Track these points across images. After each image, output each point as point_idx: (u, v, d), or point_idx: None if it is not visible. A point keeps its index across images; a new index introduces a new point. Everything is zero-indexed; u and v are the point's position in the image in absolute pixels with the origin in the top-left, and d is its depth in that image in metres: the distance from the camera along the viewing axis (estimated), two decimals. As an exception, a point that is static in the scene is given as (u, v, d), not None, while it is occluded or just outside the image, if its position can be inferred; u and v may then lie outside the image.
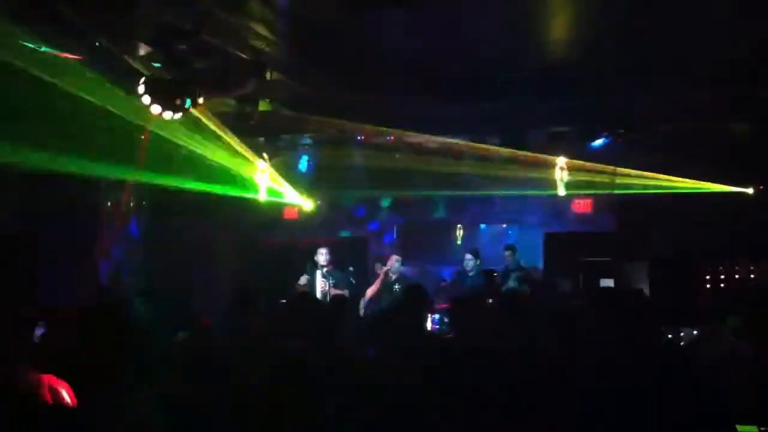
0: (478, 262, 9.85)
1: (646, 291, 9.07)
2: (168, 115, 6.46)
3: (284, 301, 8.11)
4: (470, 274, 9.82)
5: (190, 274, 9.75)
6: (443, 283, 10.87)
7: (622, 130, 9.43)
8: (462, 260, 10.05)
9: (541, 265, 11.07)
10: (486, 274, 9.39)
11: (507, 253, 10.04)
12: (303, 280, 9.12)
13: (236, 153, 9.35)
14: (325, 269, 9.25)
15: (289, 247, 10.95)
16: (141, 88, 6.34)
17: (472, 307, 5.37)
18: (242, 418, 3.38)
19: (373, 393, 3.69)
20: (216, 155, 9.10)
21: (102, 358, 2.92)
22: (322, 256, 9.30)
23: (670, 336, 6.17)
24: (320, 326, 4.48)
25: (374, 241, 12.30)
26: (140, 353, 3.10)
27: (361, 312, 9.13)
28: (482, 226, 12.76)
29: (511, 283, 9.43)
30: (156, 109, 6.38)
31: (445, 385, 3.81)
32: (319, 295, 8.97)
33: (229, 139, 8.91)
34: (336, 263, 9.44)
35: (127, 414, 2.86)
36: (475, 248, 10.44)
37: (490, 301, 6.90)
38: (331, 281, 9.13)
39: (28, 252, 7.31)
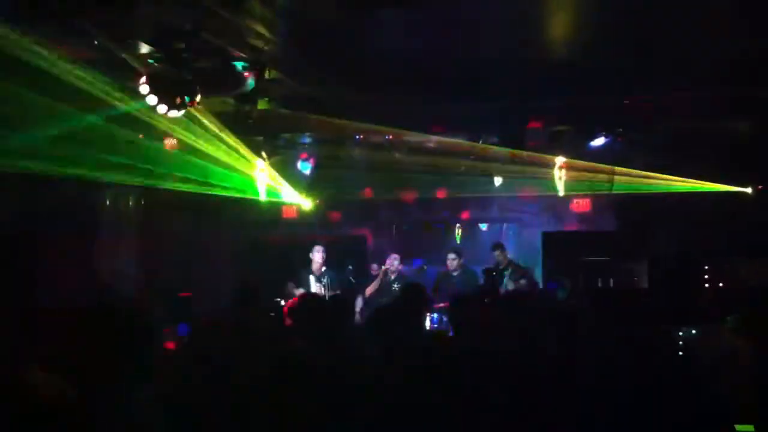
0: (462, 260, 9.84)
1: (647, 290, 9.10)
2: (172, 113, 6.50)
3: (278, 299, 8.12)
4: (454, 273, 9.80)
5: (189, 273, 9.73)
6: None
7: (621, 130, 9.44)
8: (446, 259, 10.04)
9: (539, 264, 11.08)
10: (485, 273, 9.37)
11: (496, 252, 9.99)
12: (300, 291, 8.96)
13: (235, 152, 9.35)
14: (322, 268, 9.19)
15: (290, 245, 10.91)
16: (145, 88, 6.36)
17: (472, 307, 5.37)
18: (242, 418, 3.37)
19: (372, 392, 3.69)
20: (215, 154, 9.10)
21: (104, 357, 2.92)
22: (317, 254, 9.23)
23: (680, 333, 6.16)
24: (322, 326, 4.48)
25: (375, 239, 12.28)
26: (142, 353, 3.10)
27: (358, 310, 9.09)
28: (481, 225, 12.75)
29: (507, 282, 9.42)
30: (162, 108, 6.40)
31: (445, 385, 3.81)
32: None
33: (227, 138, 8.91)
34: (332, 262, 9.38)
35: (128, 414, 2.85)
36: (457, 247, 10.43)
37: (486, 300, 6.91)
38: (325, 282, 9.04)
39: (28, 252, 7.30)
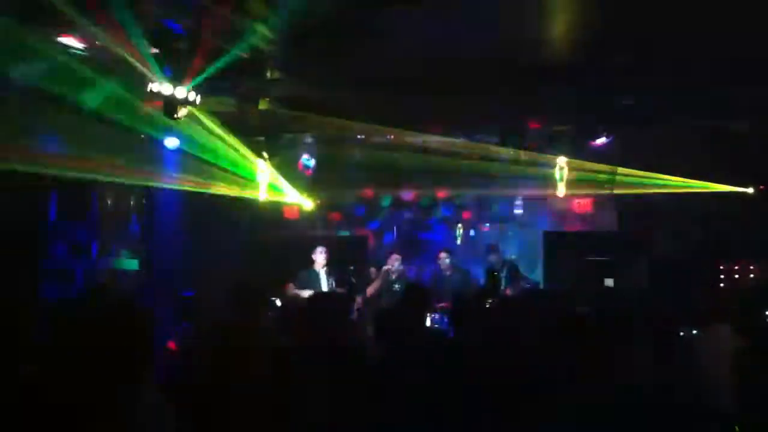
0: (453, 261, 9.83)
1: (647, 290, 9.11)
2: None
3: (274, 299, 8.10)
4: (447, 273, 9.79)
5: (190, 272, 9.72)
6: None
7: (622, 130, 9.44)
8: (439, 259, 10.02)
9: (540, 264, 11.09)
10: (488, 273, 9.36)
11: (491, 254, 9.99)
12: (306, 292, 8.98)
13: (236, 152, 9.36)
14: (324, 269, 9.20)
15: (291, 245, 10.89)
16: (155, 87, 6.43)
17: (474, 308, 5.36)
18: (245, 417, 3.37)
19: (377, 392, 3.69)
20: (216, 154, 9.12)
21: (103, 357, 2.92)
22: (320, 255, 9.24)
23: (681, 333, 6.16)
24: (329, 324, 4.46)
25: (374, 241, 12.27)
26: (142, 352, 3.10)
27: (356, 309, 9.05)
28: (483, 225, 12.76)
29: (504, 282, 9.43)
30: (183, 112, 6.51)
31: (448, 384, 3.82)
32: None
33: (229, 138, 8.92)
34: (335, 262, 9.38)
35: (129, 413, 2.86)
36: (448, 247, 10.43)
37: (490, 301, 6.91)
38: (331, 281, 9.06)
39: (29, 250, 7.31)
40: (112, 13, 5.32)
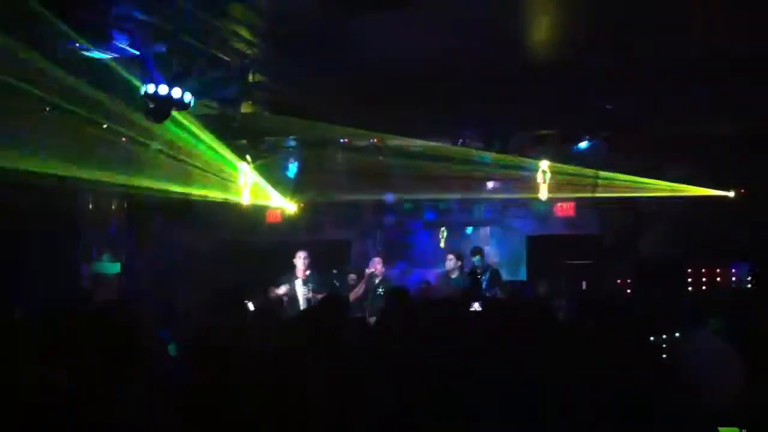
0: (460, 263, 9.77)
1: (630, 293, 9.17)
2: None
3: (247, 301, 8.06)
4: (453, 276, 9.74)
5: (172, 276, 9.68)
6: (424, 285, 10.75)
7: (606, 134, 9.49)
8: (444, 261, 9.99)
9: (524, 267, 11.14)
10: (471, 275, 9.33)
11: (475, 258, 9.95)
12: (282, 288, 8.94)
13: (219, 155, 9.32)
14: (306, 272, 9.12)
15: (273, 249, 10.84)
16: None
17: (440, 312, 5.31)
18: (239, 418, 3.34)
19: (372, 395, 3.68)
20: (199, 157, 9.07)
21: (98, 359, 2.92)
22: (300, 260, 9.15)
23: (664, 336, 6.21)
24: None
25: (357, 245, 12.25)
26: (136, 354, 3.10)
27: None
28: (467, 229, 12.78)
29: (486, 286, 9.42)
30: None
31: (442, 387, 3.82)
32: (301, 300, 8.88)
33: (211, 141, 8.88)
34: (316, 267, 9.31)
35: (124, 414, 2.85)
36: (457, 249, 10.39)
37: (477, 305, 6.91)
38: (310, 286, 8.96)
39: (9, 253, 7.27)
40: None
